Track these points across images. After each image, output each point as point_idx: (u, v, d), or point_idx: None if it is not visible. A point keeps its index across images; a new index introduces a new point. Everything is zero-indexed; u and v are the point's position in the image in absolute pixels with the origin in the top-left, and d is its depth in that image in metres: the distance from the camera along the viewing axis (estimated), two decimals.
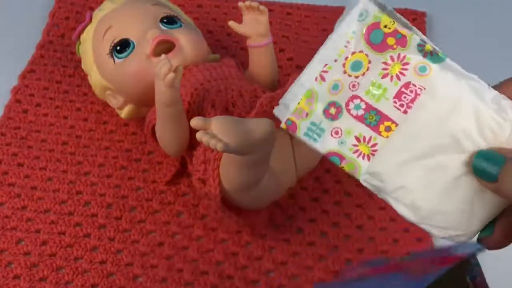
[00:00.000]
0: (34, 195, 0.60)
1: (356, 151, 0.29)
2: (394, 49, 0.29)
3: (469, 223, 0.29)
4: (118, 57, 0.61)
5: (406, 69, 0.29)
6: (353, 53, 0.29)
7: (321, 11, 0.80)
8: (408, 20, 0.84)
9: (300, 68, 0.69)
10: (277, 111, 0.31)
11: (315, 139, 0.30)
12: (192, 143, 0.57)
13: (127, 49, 0.60)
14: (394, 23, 0.29)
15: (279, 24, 0.78)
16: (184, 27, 0.62)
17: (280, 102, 0.31)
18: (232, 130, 0.45)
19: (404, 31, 0.29)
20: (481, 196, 0.29)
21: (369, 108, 0.29)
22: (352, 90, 0.29)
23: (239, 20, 0.62)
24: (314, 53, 0.31)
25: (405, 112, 0.29)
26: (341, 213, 0.59)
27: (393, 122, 0.29)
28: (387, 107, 0.29)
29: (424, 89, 0.29)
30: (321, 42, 0.32)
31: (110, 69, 0.62)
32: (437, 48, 0.30)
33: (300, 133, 0.30)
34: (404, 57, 0.29)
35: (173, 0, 0.72)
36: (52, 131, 0.66)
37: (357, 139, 0.29)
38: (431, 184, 0.29)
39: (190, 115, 0.56)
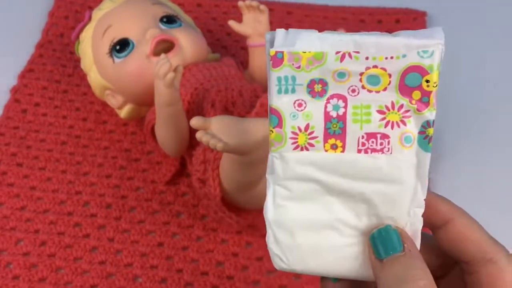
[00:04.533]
0: (33, 195, 0.60)
1: (295, 134, 0.28)
2: (411, 102, 0.27)
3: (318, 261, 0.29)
4: (117, 57, 0.61)
5: (398, 126, 0.27)
6: (375, 66, 0.27)
7: (322, 10, 0.80)
8: (409, 19, 0.84)
9: None
10: (279, 34, 0.27)
11: (279, 90, 0.27)
12: (192, 143, 0.57)
13: (126, 48, 0.60)
14: (436, 86, 0.27)
15: (279, 24, 0.77)
16: (184, 27, 0.62)
17: (290, 31, 0.27)
18: (232, 129, 0.45)
19: (433, 100, 0.27)
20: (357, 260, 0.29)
21: (342, 118, 0.27)
22: (349, 93, 0.27)
23: (239, 19, 0.61)
24: None
25: (359, 151, 0.28)
26: None
27: (344, 147, 0.28)
28: (354, 133, 0.27)
29: (390, 154, 0.28)
30: None
31: (109, 68, 0.61)
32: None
33: (276, 73, 0.27)
34: (409, 117, 0.27)
35: None
36: (51, 131, 0.66)
37: (306, 127, 0.28)
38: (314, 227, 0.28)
39: (190, 114, 0.56)
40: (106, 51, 0.61)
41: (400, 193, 0.28)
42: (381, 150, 0.28)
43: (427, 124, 0.27)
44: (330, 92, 0.27)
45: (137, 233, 0.58)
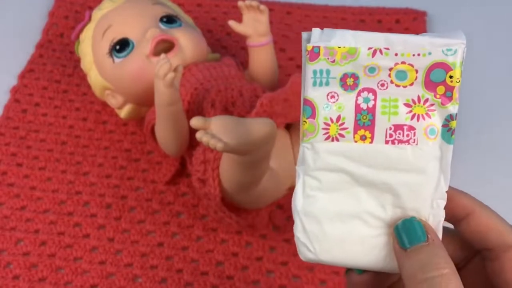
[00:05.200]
0: (33, 195, 0.60)
1: (327, 124, 0.29)
2: (436, 97, 0.29)
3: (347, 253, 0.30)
4: (117, 57, 0.61)
5: (423, 119, 0.29)
6: (403, 62, 0.29)
7: (322, 10, 0.80)
8: (409, 19, 0.84)
9: (300, 67, 0.69)
10: (315, 32, 0.29)
11: (314, 83, 0.29)
12: (192, 143, 0.57)
13: (126, 48, 0.60)
14: (458, 82, 0.28)
15: (279, 24, 0.77)
16: (184, 27, 0.62)
17: (325, 30, 0.29)
18: (232, 129, 0.45)
19: (456, 94, 0.29)
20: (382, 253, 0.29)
21: (371, 111, 0.29)
22: (378, 87, 0.29)
23: (239, 19, 0.61)
24: None
25: (386, 142, 0.29)
26: None
27: (372, 138, 0.29)
28: (382, 124, 0.29)
29: (416, 145, 0.29)
30: None
31: (109, 68, 0.61)
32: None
33: (312, 66, 0.29)
34: (434, 110, 0.29)
35: None
36: (51, 131, 0.66)
37: (338, 118, 0.29)
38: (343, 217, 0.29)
39: (189, 114, 0.56)
40: (106, 51, 0.61)
41: (424, 184, 0.29)
42: (407, 141, 0.29)
43: (450, 118, 0.29)
44: (361, 86, 0.29)
45: (137, 233, 0.58)
